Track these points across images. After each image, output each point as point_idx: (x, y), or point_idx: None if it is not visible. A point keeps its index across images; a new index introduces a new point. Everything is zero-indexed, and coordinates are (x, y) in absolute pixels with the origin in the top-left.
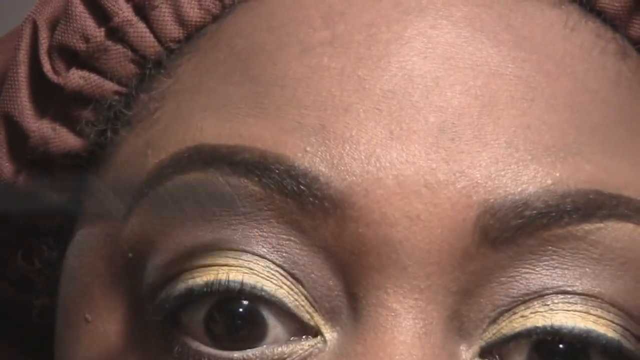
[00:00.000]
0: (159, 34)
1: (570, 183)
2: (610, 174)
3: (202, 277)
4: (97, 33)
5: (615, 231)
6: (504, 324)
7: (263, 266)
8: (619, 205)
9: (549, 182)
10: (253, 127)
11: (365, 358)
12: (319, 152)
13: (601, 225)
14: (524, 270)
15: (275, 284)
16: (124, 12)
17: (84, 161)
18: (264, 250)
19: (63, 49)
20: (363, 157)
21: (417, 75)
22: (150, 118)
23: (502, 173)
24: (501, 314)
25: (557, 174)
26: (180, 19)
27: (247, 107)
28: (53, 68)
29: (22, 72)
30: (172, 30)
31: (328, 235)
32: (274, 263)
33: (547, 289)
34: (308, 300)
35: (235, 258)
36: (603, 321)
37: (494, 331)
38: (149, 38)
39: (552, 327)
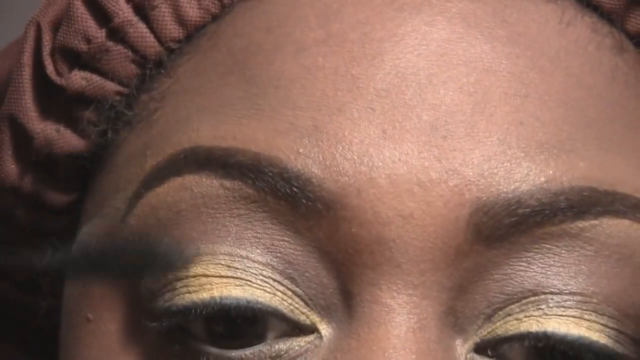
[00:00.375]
0: (159, 34)
1: (564, 180)
2: (605, 171)
3: (196, 294)
4: (98, 34)
5: (610, 228)
6: (498, 324)
7: (256, 274)
8: (614, 201)
9: (542, 179)
10: (247, 128)
11: (359, 352)
12: (312, 154)
13: (596, 222)
14: (518, 267)
15: (270, 292)
16: (124, 12)
17: (88, 162)
18: (258, 251)
19: (65, 51)
20: (356, 158)
21: (410, 73)
22: (150, 119)
23: (495, 171)
24: (496, 311)
25: (551, 172)
26: (180, 19)
27: (242, 108)
28: (56, 69)
29: (26, 74)
30: (172, 30)
31: (322, 235)
32: (267, 267)
33: (542, 287)
34: (303, 300)
35: (228, 266)
36: (597, 326)
37: (489, 329)
38: (150, 38)
39: (545, 333)
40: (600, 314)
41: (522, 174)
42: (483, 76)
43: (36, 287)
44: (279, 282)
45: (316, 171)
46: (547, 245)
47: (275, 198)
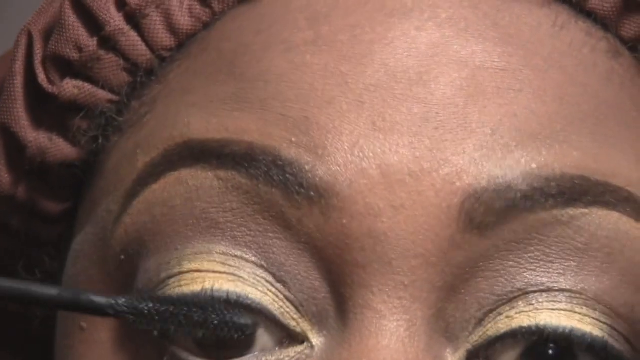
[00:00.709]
0: (151, 42)
1: (556, 167)
2: (599, 162)
3: (188, 287)
4: (90, 42)
5: (600, 218)
6: (489, 325)
7: (249, 272)
8: (605, 192)
9: (534, 166)
10: (239, 120)
11: None
12: (304, 143)
13: (586, 211)
14: (508, 264)
15: (261, 292)
16: (115, 21)
17: (80, 171)
18: (252, 252)
19: (57, 59)
20: (346, 148)
21: (400, 71)
22: (141, 122)
23: (487, 159)
24: (486, 314)
25: (543, 159)
26: (171, 27)
27: (232, 102)
28: (48, 78)
29: (18, 82)
30: (164, 38)
31: (312, 227)
32: (260, 268)
33: (532, 285)
34: (294, 305)
35: (223, 263)
36: (588, 320)
37: (480, 333)
38: (141, 47)
39: (537, 326)
40: (591, 309)
41: (514, 161)
42: (476, 72)
43: None
44: (271, 283)
45: (308, 159)
46: (539, 236)
47: (267, 187)
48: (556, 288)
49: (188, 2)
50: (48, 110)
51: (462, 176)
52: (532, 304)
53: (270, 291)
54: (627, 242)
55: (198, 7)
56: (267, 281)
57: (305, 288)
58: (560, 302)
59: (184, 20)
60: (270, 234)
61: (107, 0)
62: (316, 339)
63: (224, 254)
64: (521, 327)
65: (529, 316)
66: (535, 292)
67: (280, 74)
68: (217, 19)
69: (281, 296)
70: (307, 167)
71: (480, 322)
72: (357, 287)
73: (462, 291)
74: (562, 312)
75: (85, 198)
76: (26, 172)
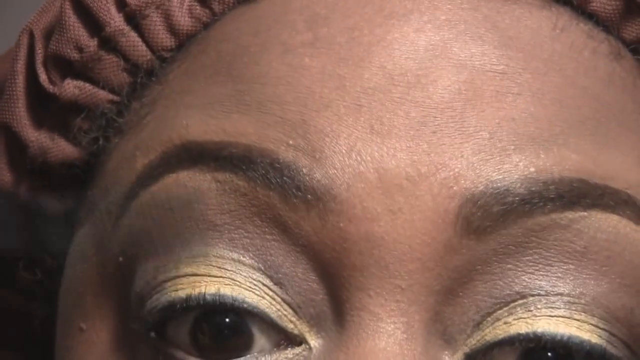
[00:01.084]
0: (151, 43)
1: (554, 171)
2: (598, 165)
3: (184, 290)
4: (91, 43)
5: (599, 221)
6: (487, 330)
7: (245, 276)
8: (604, 195)
9: (532, 169)
10: (237, 122)
11: None
12: (302, 146)
13: (585, 214)
14: (506, 267)
15: (258, 295)
16: (115, 21)
17: (81, 171)
18: (249, 255)
19: (58, 59)
20: (344, 151)
21: (398, 73)
22: (141, 123)
23: (484, 163)
24: (484, 317)
25: (541, 163)
26: (171, 28)
27: (230, 104)
28: (49, 78)
29: (20, 82)
30: (164, 39)
31: (310, 230)
32: (257, 271)
33: (529, 289)
34: (292, 307)
35: (219, 267)
36: (587, 326)
37: (478, 337)
38: (141, 47)
39: (534, 333)
40: (590, 315)
41: (512, 165)
42: (474, 75)
43: (34, 294)
44: (268, 287)
45: (306, 162)
46: (537, 239)
47: (265, 189)
48: (555, 292)
49: (188, 3)
50: (49, 110)
51: (460, 180)
52: (531, 310)
53: (267, 294)
54: (627, 245)
55: (198, 7)
56: (263, 284)
57: (303, 290)
58: (558, 308)
59: (184, 21)
60: (268, 236)
61: (107, 0)
62: (314, 341)
63: (220, 257)
64: (519, 334)
65: (527, 323)
66: (533, 296)
67: (278, 77)
68: (217, 19)
69: (278, 299)
70: (304, 170)
71: (478, 325)
72: (354, 290)
73: (460, 294)
74: (561, 319)
75: (86, 199)
76: (28, 171)
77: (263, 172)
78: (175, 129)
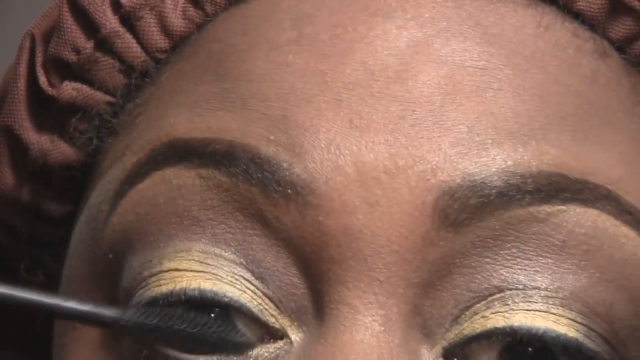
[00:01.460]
0: (145, 44)
1: (533, 165)
2: (578, 160)
3: (166, 286)
4: (87, 45)
5: (577, 215)
6: (465, 324)
7: (227, 271)
8: (583, 189)
9: (510, 163)
10: (222, 119)
11: (324, 358)
12: (282, 141)
13: (563, 208)
14: (485, 260)
15: (239, 289)
16: (111, 23)
17: (80, 172)
18: (231, 249)
19: (57, 61)
20: (323, 146)
21: (378, 69)
22: (133, 123)
23: (462, 156)
24: (463, 311)
25: (519, 157)
26: (165, 29)
27: (216, 102)
28: (48, 80)
29: (22, 85)
30: (158, 40)
31: (290, 224)
32: (239, 266)
33: (507, 283)
34: (273, 302)
35: (201, 262)
36: (564, 320)
37: (456, 331)
38: (136, 49)
39: (511, 327)
40: (567, 309)
41: (490, 158)
42: (454, 70)
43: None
44: (249, 281)
45: (286, 157)
46: (515, 233)
47: (246, 184)
48: (533, 286)
49: (182, 4)
50: (49, 112)
51: (437, 173)
52: (508, 304)
53: (249, 288)
54: (606, 240)
55: (191, 9)
56: (245, 279)
57: (284, 284)
58: (536, 302)
59: (177, 22)
60: (250, 231)
61: (103, 2)
62: (295, 335)
63: (203, 252)
64: (496, 328)
65: (504, 317)
66: (511, 290)
67: (262, 74)
68: (209, 20)
69: (259, 293)
70: (284, 164)
71: (456, 319)
72: (333, 283)
73: (439, 288)
74: (538, 313)
75: (83, 199)
76: (29, 173)
77: (244, 167)
78: (164, 128)
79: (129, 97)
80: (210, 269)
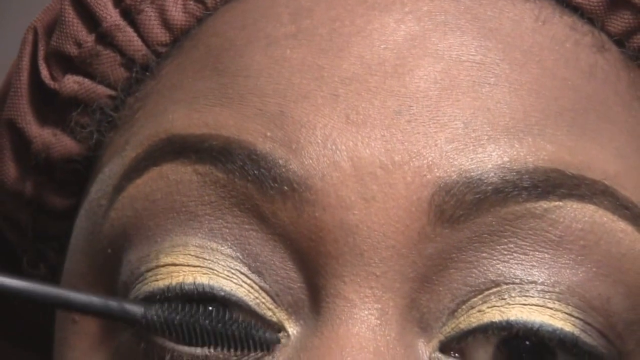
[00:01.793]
0: (146, 37)
1: (529, 161)
2: (574, 155)
3: (163, 280)
4: (88, 38)
5: (575, 211)
6: (462, 318)
7: (223, 265)
8: (580, 185)
9: (506, 159)
10: (219, 115)
11: (319, 351)
12: (279, 137)
13: (560, 203)
14: (481, 255)
15: (235, 283)
16: (112, 17)
17: (82, 166)
18: (227, 244)
19: (58, 55)
20: (319, 141)
21: (375, 63)
22: (133, 118)
23: (458, 152)
24: (459, 305)
25: (515, 153)
26: (166, 23)
27: (214, 98)
28: (50, 74)
29: (24, 78)
30: (159, 33)
31: (286, 220)
32: (236, 260)
33: (504, 277)
34: (270, 295)
35: (197, 257)
36: (560, 314)
37: (453, 325)
38: (137, 42)
39: (507, 322)
40: (564, 303)
41: (486, 154)
42: (451, 65)
43: None
44: (246, 275)
45: (282, 153)
46: (512, 228)
47: (243, 181)
48: (529, 280)
49: None
50: (52, 106)
51: (433, 169)
52: (504, 299)
53: (245, 282)
54: (603, 235)
55: (192, 2)
56: (241, 273)
57: (281, 278)
58: (532, 296)
59: (178, 16)
60: (247, 226)
61: None
62: (292, 328)
63: (199, 246)
64: (492, 322)
65: (501, 311)
66: (507, 284)
67: (260, 69)
68: (209, 14)
69: (256, 287)
70: (280, 161)
71: (453, 312)
72: (329, 277)
73: (436, 282)
74: (534, 307)
75: (85, 193)
76: (32, 167)
77: (241, 164)
78: (162, 124)
79: (130, 91)
80: (207, 263)
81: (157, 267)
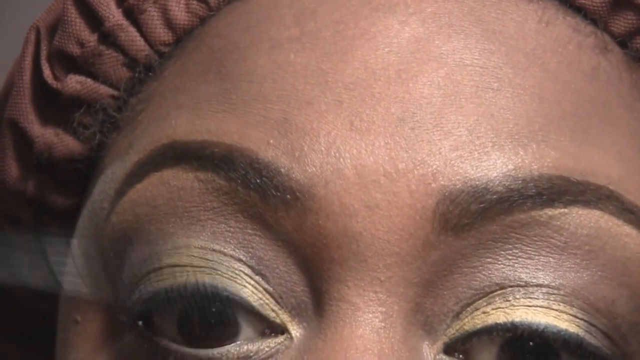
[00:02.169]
0: (149, 37)
1: (534, 168)
2: (578, 161)
3: (166, 281)
4: (91, 38)
5: (580, 217)
6: (466, 320)
7: (227, 267)
8: (585, 191)
9: (511, 167)
10: (221, 122)
11: (324, 353)
12: (282, 145)
13: (565, 210)
14: (486, 260)
15: (239, 284)
16: (114, 16)
17: (85, 166)
18: (231, 246)
19: (61, 55)
20: (323, 149)
21: (379, 68)
22: (136, 119)
23: (462, 160)
24: (464, 307)
25: (519, 160)
26: (168, 23)
27: (217, 103)
28: (53, 73)
29: (27, 78)
30: (162, 33)
31: (290, 228)
32: (239, 261)
33: (509, 280)
34: (273, 297)
35: (200, 258)
36: (565, 316)
37: (457, 327)
38: (140, 42)
39: (512, 323)
40: (569, 305)
41: (490, 162)
42: (454, 70)
43: (44, 293)
44: (249, 276)
45: (285, 162)
46: (516, 235)
47: (245, 189)
48: (534, 283)
49: None
50: (54, 105)
51: (437, 177)
52: (509, 300)
53: (249, 283)
54: (609, 240)
55: (194, 2)
56: (245, 274)
57: (284, 281)
58: (537, 298)
59: (181, 16)
60: (250, 231)
61: None
62: (295, 331)
63: (202, 248)
64: (496, 324)
65: (505, 312)
66: (512, 287)
67: (264, 74)
68: (212, 14)
69: (260, 288)
70: (283, 170)
71: (457, 315)
72: (333, 282)
73: (440, 286)
74: (539, 309)
75: (87, 194)
76: (34, 167)
77: (243, 172)
78: (164, 129)
79: (133, 92)
80: (210, 264)
81: (160, 268)
